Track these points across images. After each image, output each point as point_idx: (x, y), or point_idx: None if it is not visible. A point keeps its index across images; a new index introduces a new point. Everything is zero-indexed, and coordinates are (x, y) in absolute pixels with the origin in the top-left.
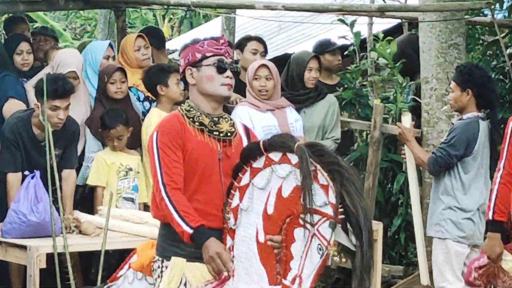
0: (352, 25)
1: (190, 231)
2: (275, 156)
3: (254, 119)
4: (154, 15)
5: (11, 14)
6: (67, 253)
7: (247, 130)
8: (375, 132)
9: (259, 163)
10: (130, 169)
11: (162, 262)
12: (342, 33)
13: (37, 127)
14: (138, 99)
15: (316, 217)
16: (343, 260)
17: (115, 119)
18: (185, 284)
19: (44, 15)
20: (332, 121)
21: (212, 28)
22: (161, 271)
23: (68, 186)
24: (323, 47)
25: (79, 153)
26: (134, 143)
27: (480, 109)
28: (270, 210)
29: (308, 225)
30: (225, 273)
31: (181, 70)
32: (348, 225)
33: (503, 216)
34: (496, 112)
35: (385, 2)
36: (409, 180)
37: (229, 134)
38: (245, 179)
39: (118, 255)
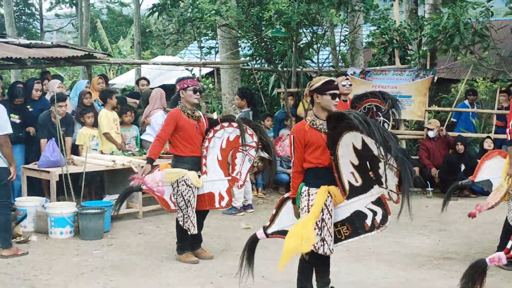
0: (191, 71)
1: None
2: (225, 124)
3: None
4: None
5: None
6: (67, 175)
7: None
8: None
9: (217, 127)
10: (94, 136)
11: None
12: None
13: (53, 117)
14: None
15: (247, 148)
16: (260, 164)
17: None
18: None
19: None
20: None
21: None
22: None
23: (68, 144)
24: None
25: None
26: None
27: None
28: (224, 146)
29: (244, 150)
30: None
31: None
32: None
33: None
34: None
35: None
36: None
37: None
38: (210, 134)
39: (90, 175)
